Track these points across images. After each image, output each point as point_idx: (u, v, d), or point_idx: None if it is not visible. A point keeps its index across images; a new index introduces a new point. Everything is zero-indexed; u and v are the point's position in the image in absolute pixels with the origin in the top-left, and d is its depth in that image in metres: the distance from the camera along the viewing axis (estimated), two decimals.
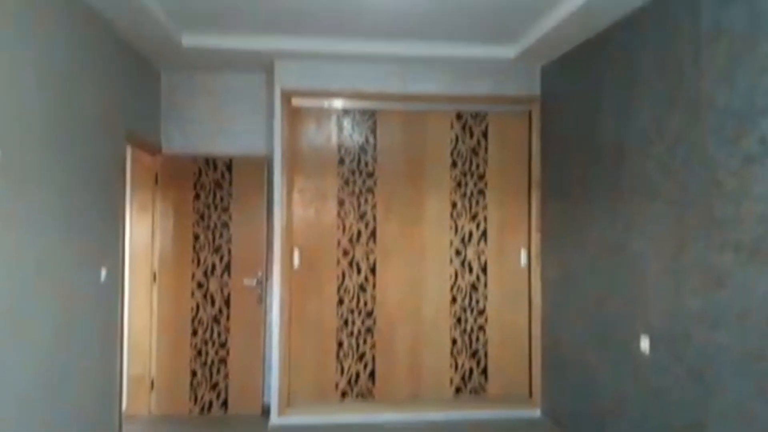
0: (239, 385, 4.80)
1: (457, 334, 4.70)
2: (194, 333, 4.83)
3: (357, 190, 4.72)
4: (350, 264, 4.69)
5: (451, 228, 4.73)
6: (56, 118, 3.02)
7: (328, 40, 4.32)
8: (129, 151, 4.75)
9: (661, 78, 3.14)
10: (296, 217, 4.69)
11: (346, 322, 4.66)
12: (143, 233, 4.86)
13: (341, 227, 4.70)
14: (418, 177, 4.73)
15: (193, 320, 4.83)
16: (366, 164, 4.72)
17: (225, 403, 4.79)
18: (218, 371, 4.81)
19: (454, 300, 4.71)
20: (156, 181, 4.87)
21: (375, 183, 4.72)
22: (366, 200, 4.71)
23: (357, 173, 4.72)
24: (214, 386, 4.80)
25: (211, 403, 4.79)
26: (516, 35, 4.16)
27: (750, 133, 2.54)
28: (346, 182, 4.72)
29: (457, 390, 4.70)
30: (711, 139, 2.77)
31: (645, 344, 3.16)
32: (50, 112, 2.96)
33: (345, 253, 4.69)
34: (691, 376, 2.86)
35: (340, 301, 4.67)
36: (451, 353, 4.69)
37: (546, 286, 4.61)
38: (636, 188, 3.36)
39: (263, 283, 4.84)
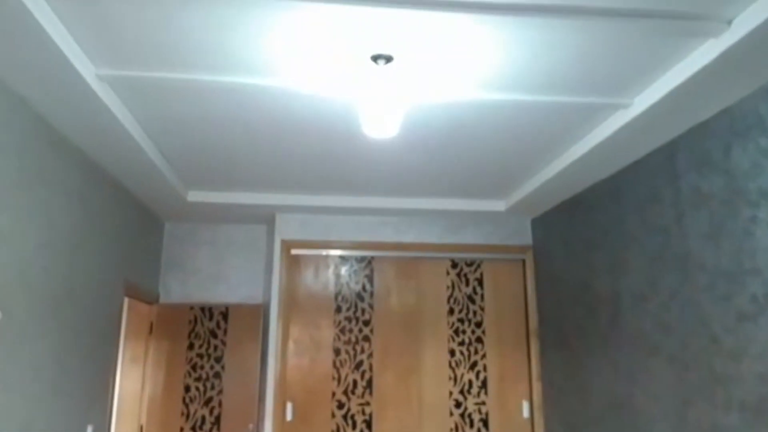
0: None
1: None
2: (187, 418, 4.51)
3: (353, 339, 4.68)
4: (345, 417, 4.52)
5: (450, 378, 4.63)
6: (56, 276, 3.07)
7: (326, 196, 4.53)
8: (125, 301, 4.75)
9: (649, 236, 3.29)
10: (290, 367, 4.60)
11: None
12: (133, 384, 4.72)
13: (336, 378, 4.60)
14: (415, 324, 4.72)
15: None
16: (363, 311, 4.73)
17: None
18: None
19: None
20: (150, 331, 4.82)
21: (372, 331, 4.69)
22: (362, 349, 4.65)
23: (353, 321, 4.71)
24: None
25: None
26: (505, 192, 4.39)
27: (741, 293, 2.61)
28: (342, 330, 4.69)
29: None
30: (704, 297, 2.84)
31: None
32: (51, 270, 3.01)
33: (340, 405, 4.54)
34: None
35: None
36: None
37: None
38: (635, 343, 3.36)
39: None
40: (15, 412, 2.65)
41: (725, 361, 2.69)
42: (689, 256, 2.95)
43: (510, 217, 4.85)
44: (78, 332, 3.35)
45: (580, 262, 4.07)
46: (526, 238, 4.90)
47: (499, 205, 4.63)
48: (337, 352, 4.65)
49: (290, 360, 4.61)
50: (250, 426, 4.64)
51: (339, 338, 4.67)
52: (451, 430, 4.54)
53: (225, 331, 4.84)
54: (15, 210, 2.63)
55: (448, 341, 4.71)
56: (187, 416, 4.66)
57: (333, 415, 4.52)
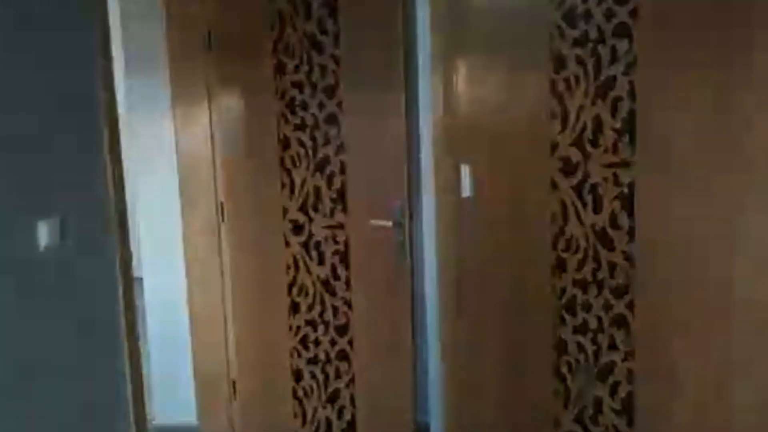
0: (373, 395, 2.78)
1: None
2: (294, 309, 2.83)
3: (592, 35, 2.20)
4: (578, 189, 2.29)
5: None
6: None
7: None
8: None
9: None
10: (464, 102, 2.34)
11: (567, 295, 2.34)
12: (196, 138, 2.82)
13: (558, 116, 2.27)
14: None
15: (290, 287, 2.82)
16: None
17: (351, 424, 2.83)
18: (337, 373, 2.81)
19: None
20: (208, 45, 2.72)
21: (636, 14, 2.15)
22: (613, 53, 2.18)
23: None
24: (333, 397, 2.83)
25: (329, 424, 2.86)
26: None
27: None
28: (569, 16, 2.21)
29: None
30: None
31: None
32: None
33: (567, 168, 2.28)
34: None
35: (560, 263, 2.34)
36: None
37: None
38: None
39: (406, 223, 2.63)
40: None
41: None
42: None
43: None
44: None
45: None
46: None
47: None
48: (559, 63, 2.24)
49: (462, 89, 2.33)
50: (398, 203, 2.62)
51: (560, 36, 2.23)
52: None
53: (335, 39, 2.60)
54: None
55: None
56: (291, 189, 2.75)
57: (554, 186, 2.30)
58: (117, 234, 1.96)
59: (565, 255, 2.32)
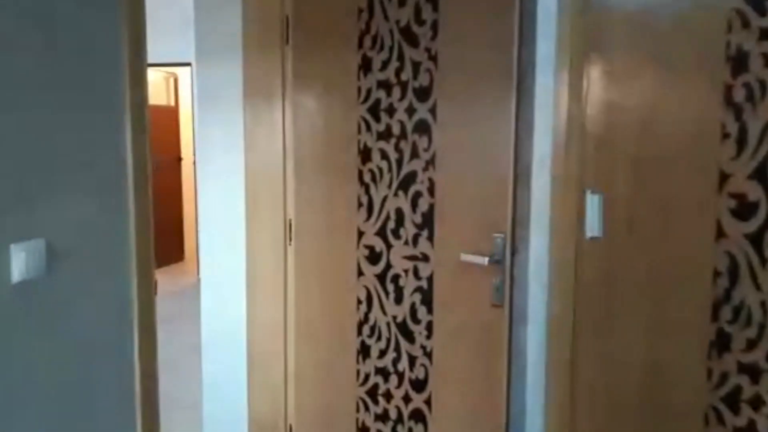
0: None
1: None
2: (363, 352, 2.37)
3: None
4: (755, 239, 1.64)
5: None
6: None
7: None
8: None
9: None
10: (597, 113, 1.78)
11: (729, 385, 1.70)
12: (266, 141, 2.44)
13: (733, 137, 1.63)
14: None
15: (360, 326, 2.36)
16: None
17: None
18: None
19: None
20: (286, 37, 2.33)
21: None
22: None
23: None
24: None
25: None
26: None
27: None
28: (745, 11, 1.58)
29: None
30: None
31: None
32: None
33: (741, 209, 1.64)
34: None
35: (722, 338, 1.69)
36: None
37: None
38: None
39: (507, 262, 2.08)
40: None
41: None
42: None
43: None
44: None
45: None
46: None
47: None
48: (739, 63, 1.61)
49: (596, 91, 1.77)
50: (498, 237, 2.08)
51: (742, 24, 1.60)
52: None
53: (434, 29, 2.11)
54: None
55: None
56: (369, 209, 2.29)
57: (722, 233, 1.67)
58: (135, 261, 1.57)
59: (729, 329, 1.67)
